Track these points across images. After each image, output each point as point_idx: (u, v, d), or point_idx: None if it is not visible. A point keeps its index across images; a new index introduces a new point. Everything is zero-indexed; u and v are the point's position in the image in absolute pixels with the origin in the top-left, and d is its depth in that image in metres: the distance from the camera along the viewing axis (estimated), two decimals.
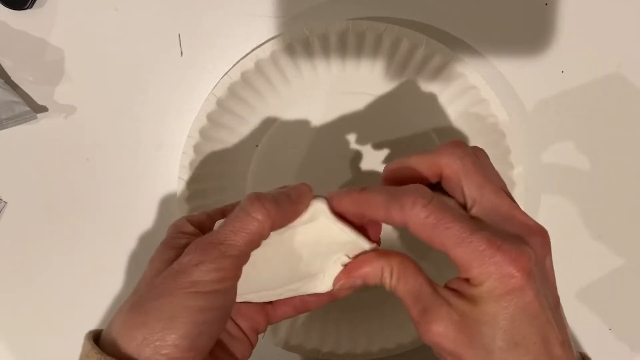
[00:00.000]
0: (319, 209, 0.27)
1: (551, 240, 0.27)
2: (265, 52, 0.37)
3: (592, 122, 0.40)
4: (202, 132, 0.38)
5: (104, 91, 0.40)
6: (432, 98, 0.39)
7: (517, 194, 0.37)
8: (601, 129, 0.40)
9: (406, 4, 0.39)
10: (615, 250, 0.40)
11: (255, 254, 0.26)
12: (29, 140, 0.40)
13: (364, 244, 0.27)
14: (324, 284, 0.28)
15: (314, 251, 0.27)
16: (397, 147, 0.39)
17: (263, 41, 0.38)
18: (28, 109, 0.39)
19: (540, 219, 0.40)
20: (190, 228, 0.28)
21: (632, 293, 0.41)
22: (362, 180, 0.39)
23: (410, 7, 0.39)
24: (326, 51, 0.38)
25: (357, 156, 0.40)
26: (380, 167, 0.39)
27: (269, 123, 0.39)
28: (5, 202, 0.41)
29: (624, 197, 0.40)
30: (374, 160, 0.40)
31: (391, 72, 0.38)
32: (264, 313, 0.30)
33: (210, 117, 0.37)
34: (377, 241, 0.28)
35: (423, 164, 0.27)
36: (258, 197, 0.25)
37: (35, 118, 0.40)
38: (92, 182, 0.41)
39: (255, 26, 0.39)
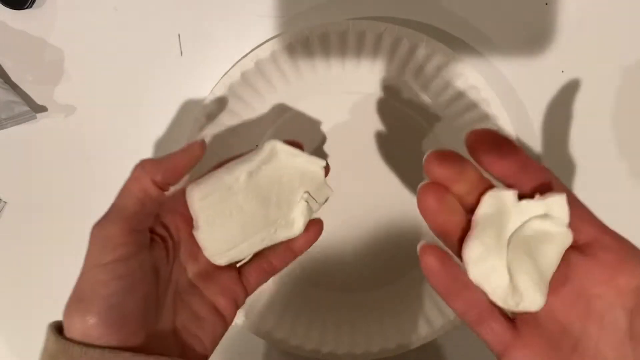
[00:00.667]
0: (273, 145, 0.29)
1: (633, 247, 0.24)
2: (265, 52, 0.37)
3: (592, 122, 0.40)
4: (203, 132, 0.38)
5: (104, 91, 0.40)
6: (432, 98, 0.39)
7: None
8: (601, 128, 0.40)
9: (406, 4, 0.39)
10: None
11: (229, 206, 0.29)
12: (29, 140, 0.40)
13: (317, 164, 0.30)
14: (294, 227, 0.31)
15: (279, 190, 0.30)
16: (397, 147, 0.39)
17: (263, 41, 0.38)
18: (28, 109, 0.39)
19: None
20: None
21: None
22: (362, 180, 0.39)
23: (410, 7, 0.39)
24: (326, 51, 0.38)
25: (357, 156, 0.39)
26: (380, 167, 0.39)
27: (269, 123, 0.39)
28: (5, 202, 0.41)
29: (625, 196, 0.40)
30: (373, 160, 0.40)
31: (391, 72, 0.38)
32: (240, 284, 0.31)
33: (210, 117, 0.37)
34: None
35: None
36: (140, 161, 0.28)
37: (35, 118, 0.40)
38: (92, 182, 0.41)
39: (255, 26, 0.39)
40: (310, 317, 0.40)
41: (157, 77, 0.40)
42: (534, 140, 0.40)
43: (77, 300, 0.25)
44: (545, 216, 0.22)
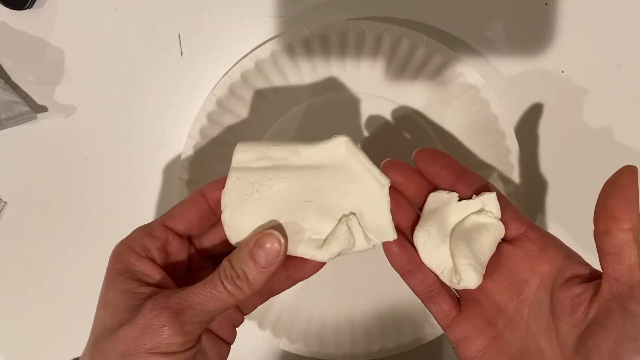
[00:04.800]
0: (343, 141, 0.25)
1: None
2: (265, 52, 0.37)
3: (592, 122, 0.40)
4: (202, 132, 0.38)
5: (104, 91, 0.40)
6: (432, 98, 0.39)
7: (517, 194, 0.37)
8: (601, 128, 0.40)
9: (406, 4, 0.39)
10: None
11: (265, 183, 0.25)
12: (29, 140, 0.40)
13: (378, 181, 0.25)
14: (322, 250, 0.26)
15: (328, 195, 0.25)
16: (397, 147, 0.39)
17: (263, 41, 0.38)
18: (28, 109, 0.39)
19: (541, 218, 0.40)
20: (152, 274, 0.26)
21: None
22: None
23: (410, 7, 0.39)
24: (326, 51, 0.38)
25: None
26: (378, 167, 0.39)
27: (268, 123, 0.39)
28: (5, 202, 0.41)
29: None
30: (373, 160, 0.39)
31: (391, 72, 0.38)
32: (236, 310, 0.30)
33: (210, 117, 0.37)
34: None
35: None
36: (233, 276, 0.25)
37: (35, 118, 0.40)
38: (92, 182, 0.41)
39: (255, 26, 0.39)
40: (310, 316, 0.40)
41: (157, 77, 0.40)
42: (533, 140, 0.40)
43: None
44: (480, 211, 0.28)
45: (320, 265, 0.28)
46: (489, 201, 0.28)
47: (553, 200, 0.40)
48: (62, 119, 0.40)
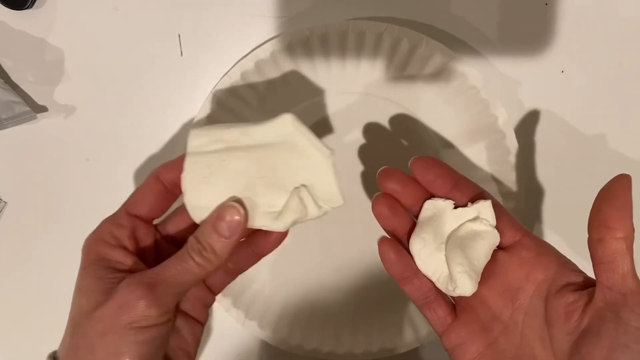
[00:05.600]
0: (289, 119, 0.27)
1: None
2: (265, 52, 0.37)
3: (592, 122, 0.40)
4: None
5: (104, 91, 0.40)
6: (432, 98, 0.39)
7: (517, 194, 0.37)
8: (601, 128, 0.40)
9: (406, 4, 0.39)
10: None
11: (220, 164, 0.27)
12: (29, 140, 0.40)
13: (321, 153, 0.27)
14: (278, 221, 0.27)
15: (279, 170, 0.27)
16: (396, 147, 0.39)
17: (263, 41, 0.38)
18: (28, 109, 0.39)
19: (541, 219, 0.40)
20: (125, 261, 0.28)
21: None
22: (361, 180, 0.39)
23: (410, 7, 0.39)
24: (326, 51, 0.38)
25: (357, 156, 0.39)
26: (379, 167, 0.39)
27: None
28: (6, 202, 0.41)
29: None
30: (373, 160, 0.40)
31: (391, 72, 0.38)
32: (206, 289, 0.32)
33: (210, 117, 0.37)
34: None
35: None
36: (200, 249, 0.26)
37: (35, 118, 0.40)
38: (92, 182, 0.41)
39: (255, 26, 0.39)
40: (310, 316, 0.40)
41: (157, 77, 0.40)
42: (533, 140, 0.40)
43: (109, 356, 0.25)
44: (475, 218, 0.28)
45: (282, 237, 0.30)
46: (484, 209, 0.28)
47: (553, 200, 0.40)
48: (62, 119, 0.40)
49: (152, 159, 0.40)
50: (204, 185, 0.27)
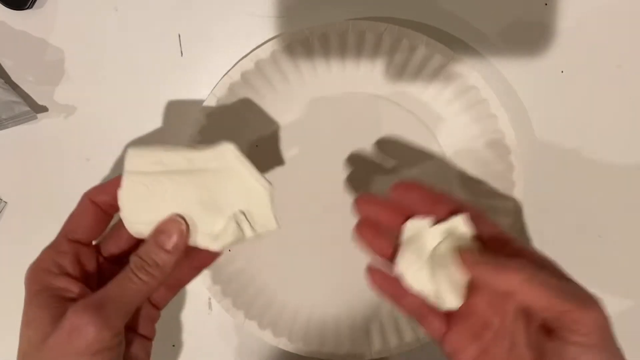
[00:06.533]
0: (228, 147, 0.28)
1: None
2: (265, 52, 0.37)
3: (592, 122, 0.40)
4: (203, 132, 0.38)
5: (104, 91, 0.40)
6: (432, 98, 0.39)
7: (517, 194, 0.37)
8: (601, 128, 0.40)
9: (406, 4, 0.39)
10: (615, 250, 0.40)
11: (159, 186, 0.28)
12: (29, 140, 0.40)
13: (261, 185, 0.28)
14: (217, 242, 0.28)
15: (217, 195, 0.28)
16: (396, 147, 0.39)
17: (263, 41, 0.38)
18: (28, 109, 0.39)
19: (541, 219, 0.40)
20: (71, 288, 0.28)
21: (632, 293, 0.41)
22: (361, 180, 0.39)
23: (410, 7, 0.39)
24: (326, 51, 0.38)
25: (357, 156, 0.39)
26: (379, 167, 0.40)
27: (268, 123, 0.39)
28: (6, 202, 0.41)
29: (624, 197, 0.40)
30: (373, 160, 0.40)
31: (391, 72, 0.38)
32: (150, 305, 0.32)
33: (210, 117, 0.37)
34: None
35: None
36: (144, 265, 0.27)
37: (36, 118, 0.40)
38: (92, 182, 0.41)
39: (255, 26, 0.39)
40: (310, 316, 0.40)
41: (157, 77, 0.40)
42: (533, 140, 0.40)
43: None
44: (454, 232, 0.29)
45: (218, 254, 0.31)
46: (460, 222, 0.29)
47: (552, 200, 0.40)
48: (62, 119, 0.40)
49: None
50: (142, 203, 0.28)
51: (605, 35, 0.39)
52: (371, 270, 0.31)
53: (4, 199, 0.41)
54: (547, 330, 0.26)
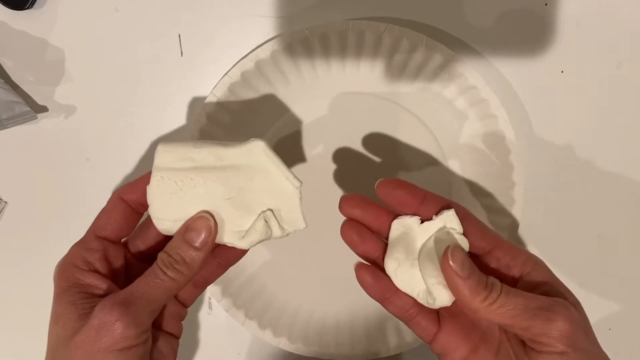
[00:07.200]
0: (258, 144, 0.28)
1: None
2: (265, 52, 0.37)
3: (592, 122, 0.40)
4: (202, 132, 0.38)
5: (104, 91, 0.40)
6: (432, 98, 0.39)
7: (517, 194, 0.37)
8: (601, 128, 0.40)
9: (406, 4, 0.39)
10: (615, 250, 0.40)
11: (188, 182, 0.27)
12: (29, 140, 0.40)
13: (291, 183, 0.28)
14: (244, 240, 0.28)
15: (246, 192, 0.28)
16: (396, 147, 0.39)
17: (263, 41, 0.38)
18: (28, 109, 0.39)
19: (540, 219, 0.40)
20: (99, 285, 0.28)
21: (631, 293, 0.41)
22: (361, 180, 0.39)
23: (410, 7, 0.39)
24: (326, 51, 0.38)
25: (357, 156, 0.40)
26: (379, 167, 0.40)
27: (268, 123, 0.39)
28: (6, 202, 0.41)
29: (624, 197, 0.40)
30: (373, 160, 0.40)
31: (391, 72, 0.38)
32: (178, 303, 0.32)
33: (210, 117, 0.37)
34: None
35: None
36: (172, 262, 0.27)
37: (36, 118, 0.40)
38: (92, 182, 0.41)
39: (255, 26, 0.39)
40: (310, 316, 0.40)
41: (157, 77, 0.40)
42: (533, 140, 0.40)
43: None
44: (442, 229, 0.28)
45: (245, 251, 0.30)
46: (448, 218, 0.28)
47: (552, 200, 0.40)
48: (62, 119, 0.40)
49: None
50: (170, 200, 0.28)
51: (605, 35, 0.39)
52: (360, 269, 0.30)
53: (4, 199, 0.41)
54: (521, 341, 0.27)
